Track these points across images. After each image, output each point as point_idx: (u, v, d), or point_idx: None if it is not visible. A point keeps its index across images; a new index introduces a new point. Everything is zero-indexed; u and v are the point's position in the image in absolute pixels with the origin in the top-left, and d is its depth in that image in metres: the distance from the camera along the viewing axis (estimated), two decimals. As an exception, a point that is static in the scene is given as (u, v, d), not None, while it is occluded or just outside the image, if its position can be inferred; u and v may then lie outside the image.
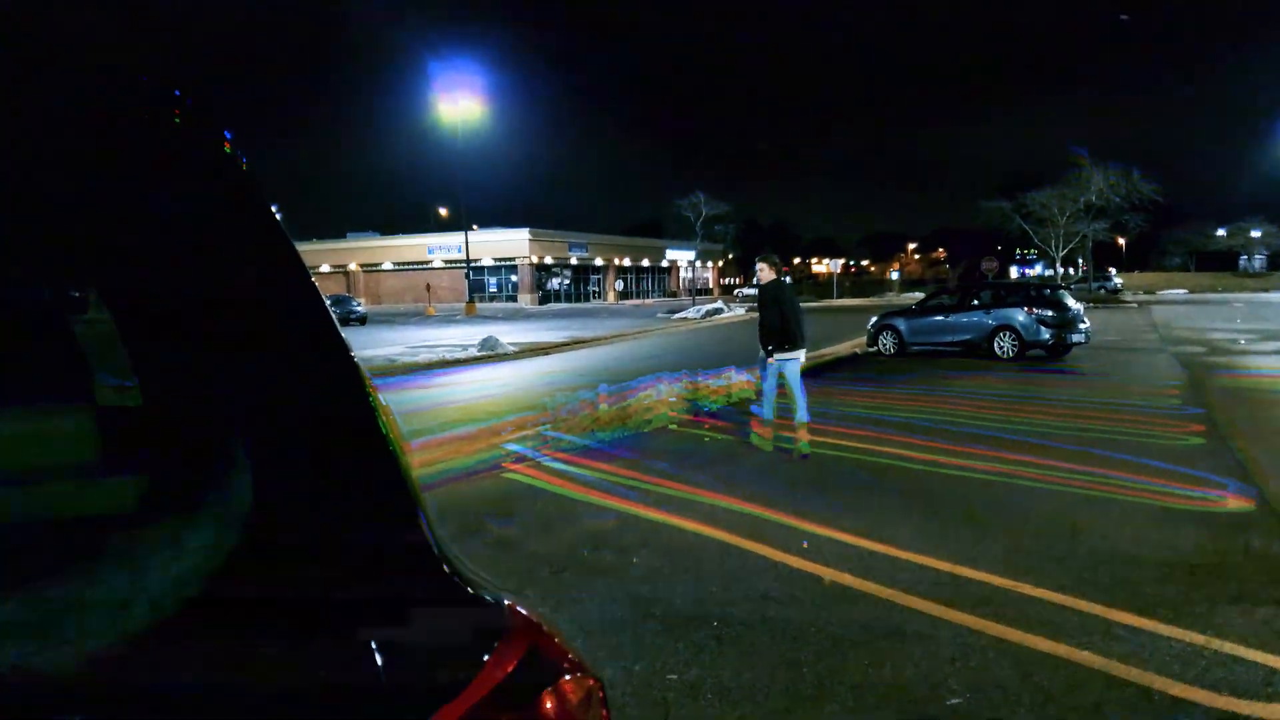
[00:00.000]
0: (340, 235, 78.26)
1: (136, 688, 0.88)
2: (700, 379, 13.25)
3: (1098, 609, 4.66)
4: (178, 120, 1.13)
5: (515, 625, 1.12)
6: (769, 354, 8.98)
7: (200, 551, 0.97)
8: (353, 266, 74.43)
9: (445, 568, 1.10)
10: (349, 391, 1.09)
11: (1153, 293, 71.82)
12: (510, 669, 1.04)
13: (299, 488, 1.04)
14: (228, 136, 1.14)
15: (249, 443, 1.01)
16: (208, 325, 1.06)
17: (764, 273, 9.08)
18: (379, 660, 0.97)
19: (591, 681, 1.15)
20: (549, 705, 1.07)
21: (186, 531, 1.00)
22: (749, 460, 8.68)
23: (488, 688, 1.01)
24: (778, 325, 8.79)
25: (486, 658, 1.04)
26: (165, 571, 0.95)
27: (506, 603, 1.15)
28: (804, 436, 8.93)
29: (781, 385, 9.13)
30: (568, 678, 1.11)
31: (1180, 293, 71.85)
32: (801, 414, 8.94)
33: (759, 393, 9.36)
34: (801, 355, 9.08)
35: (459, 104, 49.29)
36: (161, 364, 1.07)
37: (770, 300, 8.87)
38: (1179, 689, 3.77)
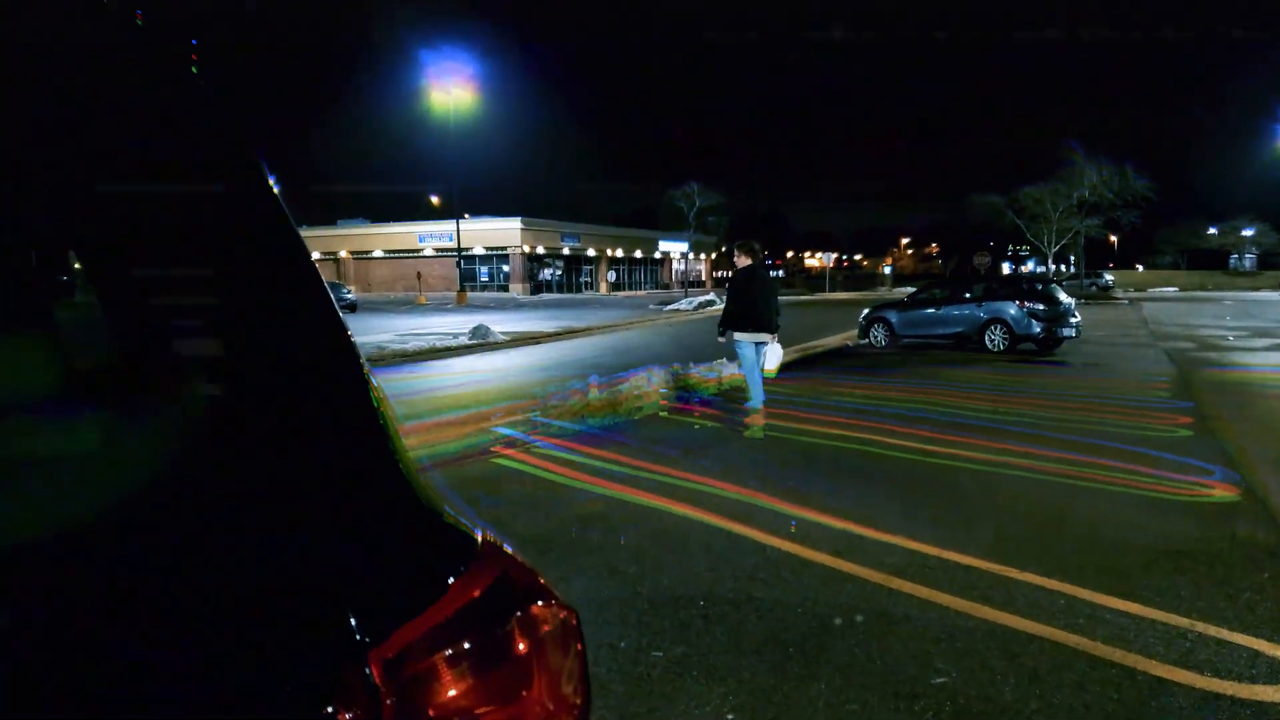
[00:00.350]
0: (331, 222, 77.82)
1: (98, 579, 0.90)
2: (692, 369, 13.23)
3: (1084, 593, 4.67)
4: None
5: (487, 554, 1.11)
6: (721, 333, 9.14)
7: (167, 454, 0.99)
8: (343, 254, 74.16)
9: (421, 501, 1.10)
10: (342, 358, 1.13)
11: (1144, 290, 72.17)
12: (478, 592, 1.04)
13: (277, 428, 1.06)
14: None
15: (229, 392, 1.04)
16: (196, 285, 1.09)
17: (741, 259, 9.19)
18: (345, 572, 0.98)
19: (565, 612, 1.14)
20: (518, 630, 1.07)
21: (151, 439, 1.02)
22: (739, 446, 8.68)
23: (454, 607, 1.01)
24: (739, 309, 8.90)
25: (454, 580, 1.04)
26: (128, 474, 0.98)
27: (480, 536, 1.14)
28: (757, 421, 9.08)
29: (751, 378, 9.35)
30: (539, 604, 1.10)
31: (1171, 290, 72.23)
32: (756, 397, 9.13)
33: (752, 414, 9.50)
34: (767, 339, 9.13)
35: (451, 91, 49.13)
36: (145, 331, 1.09)
37: (742, 284, 8.96)
38: (1162, 670, 3.79)
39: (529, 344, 22.60)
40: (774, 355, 9.29)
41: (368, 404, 1.12)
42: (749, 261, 9.10)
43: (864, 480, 7.25)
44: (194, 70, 1.28)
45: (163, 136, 1.18)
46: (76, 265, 1.47)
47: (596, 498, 6.70)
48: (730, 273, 9.99)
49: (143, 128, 1.17)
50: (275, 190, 1.20)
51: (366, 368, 1.16)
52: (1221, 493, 6.77)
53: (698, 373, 13.01)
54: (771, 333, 9.12)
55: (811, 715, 3.46)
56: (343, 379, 1.13)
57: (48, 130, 1.11)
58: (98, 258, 1.17)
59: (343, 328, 1.15)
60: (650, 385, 11.72)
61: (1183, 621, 4.30)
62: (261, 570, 0.96)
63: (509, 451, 8.44)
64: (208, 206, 1.16)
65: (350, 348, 1.14)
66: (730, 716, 3.45)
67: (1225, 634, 4.16)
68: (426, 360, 18.24)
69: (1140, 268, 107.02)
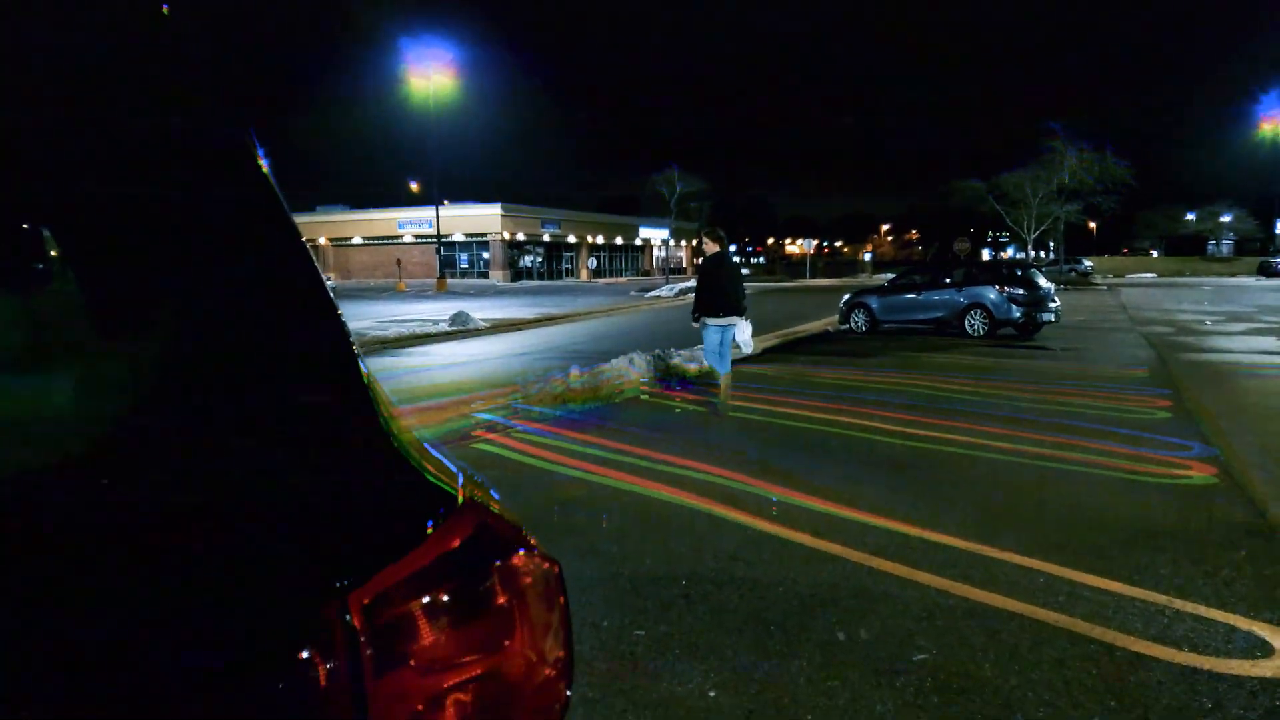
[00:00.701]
0: (309, 208, 77.10)
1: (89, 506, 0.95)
2: (673, 354, 13.21)
3: (1063, 571, 4.70)
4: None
5: (467, 507, 1.11)
6: (696, 319, 9.45)
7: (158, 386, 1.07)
8: (322, 240, 73.51)
9: (405, 459, 1.11)
10: (332, 331, 1.18)
11: (1122, 276, 72.76)
12: (457, 542, 1.04)
13: (270, 387, 1.13)
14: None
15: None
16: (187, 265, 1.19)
17: (709, 245, 9.44)
18: (325, 519, 1.00)
19: (548, 564, 1.13)
20: (499, 579, 1.06)
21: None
22: (720, 429, 8.68)
23: (433, 554, 1.01)
24: (711, 294, 9.23)
25: (435, 528, 1.04)
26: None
27: (461, 492, 1.14)
28: (725, 392, 9.51)
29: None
30: (521, 554, 1.09)
31: (1149, 276, 72.85)
32: (722, 370, 9.56)
33: (719, 388, 9.81)
34: (736, 322, 9.46)
35: (431, 76, 48.71)
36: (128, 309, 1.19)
37: (712, 269, 9.27)
38: (1141, 645, 3.81)
39: (509, 330, 22.52)
40: (745, 331, 9.60)
41: (355, 371, 1.15)
42: (716, 248, 9.39)
43: (845, 462, 7.26)
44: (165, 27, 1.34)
45: (150, 113, 1.26)
46: (53, 252, 1.50)
47: (578, 481, 6.67)
48: (698, 260, 10.12)
49: (130, 106, 1.26)
50: (265, 167, 1.26)
51: (355, 342, 1.19)
52: (1199, 473, 6.82)
53: (678, 357, 12.99)
54: (740, 315, 9.47)
55: (793, 692, 3.46)
56: (333, 349, 1.17)
57: (36, 111, 1.18)
58: (82, 238, 1.27)
59: (332, 303, 1.20)
60: (631, 370, 11.69)
61: (1161, 598, 4.33)
62: (247, 513, 0.97)
63: (490, 436, 8.40)
64: (195, 183, 1.23)
65: (339, 320, 1.19)
66: (712, 693, 3.45)
67: (1203, 610, 4.19)
68: (407, 347, 18.14)
69: (1124, 252, 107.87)
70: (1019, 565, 4.80)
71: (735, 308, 9.37)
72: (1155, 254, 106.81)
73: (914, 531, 5.38)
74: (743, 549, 5.09)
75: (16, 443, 1.03)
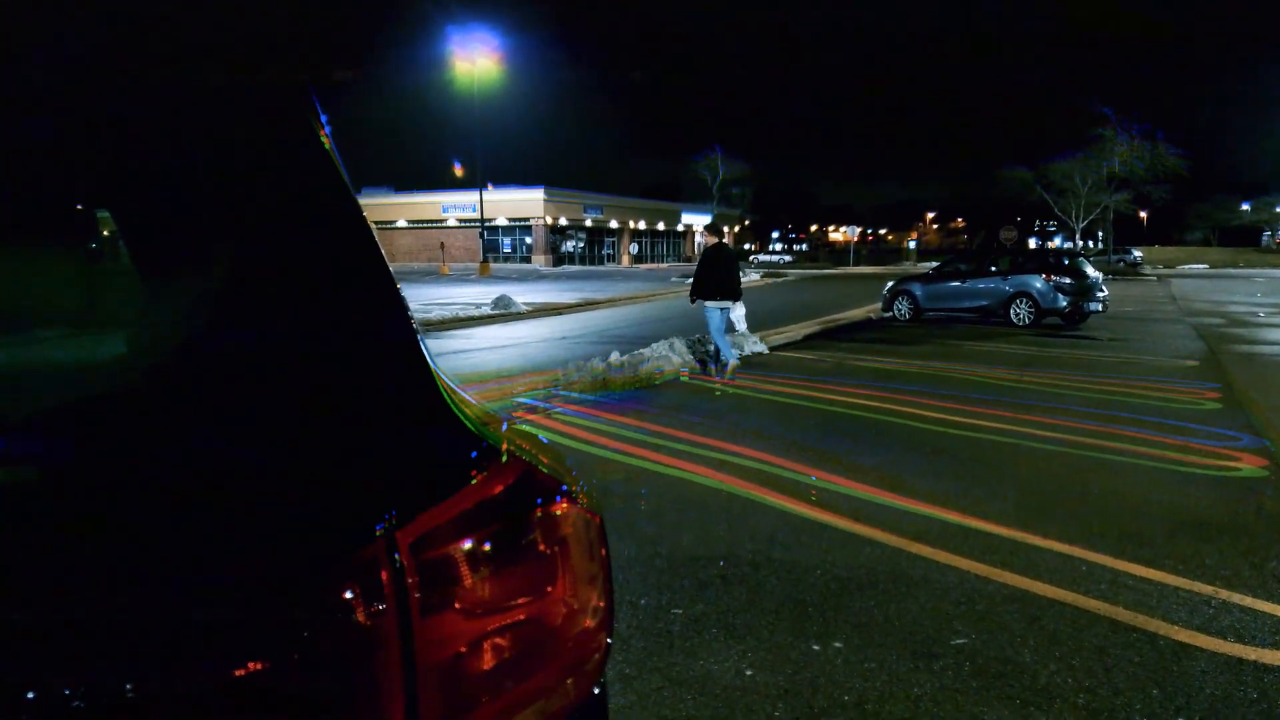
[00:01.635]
0: (355, 191, 77.75)
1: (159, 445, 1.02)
2: (712, 339, 13.19)
3: (1106, 560, 4.65)
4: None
5: (513, 457, 1.14)
6: (693, 300, 10.64)
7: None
8: (367, 224, 74.19)
9: (453, 412, 1.16)
10: (391, 300, 1.24)
11: (1173, 267, 71.07)
12: (500, 488, 1.07)
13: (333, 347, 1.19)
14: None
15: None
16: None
17: (709, 238, 10.73)
18: (375, 462, 1.03)
19: (591, 515, 1.16)
20: (541, 526, 1.09)
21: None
22: (759, 413, 8.67)
23: (476, 498, 1.04)
24: (710, 279, 10.29)
25: (479, 475, 1.07)
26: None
27: (506, 446, 1.17)
28: (730, 370, 10.69)
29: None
30: (564, 503, 1.12)
31: (1201, 267, 71.02)
32: (726, 355, 10.80)
33: (716, 353, 11.01)
34: (733, 305, 10.85)
35: (476, 60, 48.89)
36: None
37: (711, 260, 10.35)
38: (1185, 635, 3.77)
39: (551, 314, 22.63)
40: (739, 310, 11.18)
41: (407, 326, 1.21)
42: (716, 240, 10.62)
43: (885, 448, 7.22)
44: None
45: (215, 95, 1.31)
46: (105, 232, 1.57)
47: (617, 463, 6.72)
48: (702, 247, 11.38)
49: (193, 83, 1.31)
50: (328, 141, 1.31)
51: (412, 314, 1.25)
52: (1249, 465, 6.69)
53: (718, 342, 12.97)
54: (736, 298, 10.77)
55: (829, 673, 3.47)
56: (384, 306, 1.23)
57: (101, 87, 1.22)
58: (143, 212, 1.32)
59: (386, 267, 1.24)
60: (671, 355, 11.70)
61: (1207, 589, 4.27)
62: (297, 460, 1.02)
63: (530, 417, 8.47)
64: (261, 159, 1.28)
65: (397, 293, 1.24)
66: (749, 672, 3.47)
67: (1250, 601, 4.12)
68: (450, 330, 18.31)
69: (1174, 244, 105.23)
70: (1061, 553, 4.75)
71: (732, 292, 10.64)
72: (1208, 245, 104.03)
73: (954, 517, 5.34)
74: (780, 531, 5.10)
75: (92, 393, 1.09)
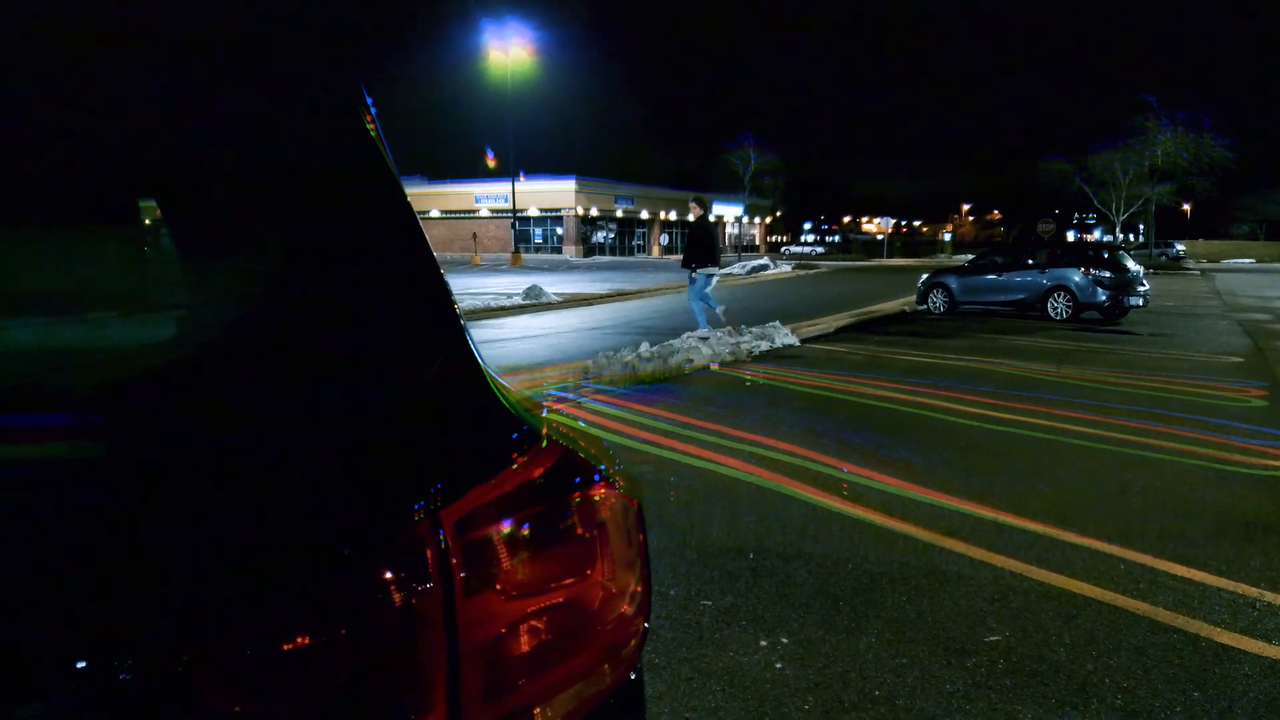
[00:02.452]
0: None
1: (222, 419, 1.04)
2: (744, 330, 13.12)
3: (1145, 559, 4.55)
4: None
5: (552, 441, 1.16)
6: (692, 268, 11.58)
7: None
8: (401, 214, 74.72)
9: (496, 396, 1.17)
10: (437, 291, 1.25)
11: (1217, 261, 69.73)
12: (540, 471, 1.08)
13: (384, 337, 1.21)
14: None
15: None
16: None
17: (695, 211, 11.96)
18: (421, 444, 1.05)
19: (629, 500, 1.16)
20: (580, 509, 1.10)
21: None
22: (791, 405, 8.60)
23: (516, 480, 1.05)
24: (703, 249, 11.35)
25: (520, 458, 1.08)
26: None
27: (546, 430, 1.19)
28: (724, 315, 11.84)
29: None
30: (603, 487, 1.12)
31: (1247, 261, 69.64)
32: (700, 321, 11.81)
33: (725, 314, 12.06)
34: (718, 273, 12.14)
35: (509, 50, 48.99)
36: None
37: (701, 232, 11.54)
38: (1227, 637, 3.67)
39: (581, 305, 22.65)
40: (716, 280, 12.41)
41: (451, 313, 1.23)
42: (701, 212, 11.74)
43: (919, 442, 7.13)
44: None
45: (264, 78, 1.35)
46: (148, 221, 1.60)
47: (647, 453, 6.69)
48: (695, 213, 12.33)
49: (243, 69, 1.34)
50: (375, 128, 1.34)
51: (456, 303, 1.27)
52: (1294, 464, 6.52)
53: (750, 334, 12.90)
54: (721, 266, 12.06)
55: (860, 667, 3.42)
56: (428, 290, 1.24)
57: (144, 75, 1.25)
58: (190, 200, 1.35)
59: (430, 253, 1.26)
60: (701, 345, 11.65)
61: (1251, 591, 4.16)
62: (344, 441, 1.03)
63: (560, 407, 8.45)
64: (305, 143, 1.32)
65: (442, 279, 1.25)
66: (779, 665, 3.43)
67: (1295, 604, 4.01)
68: (481, 319, 18.38)
69: (1218, 237, 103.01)
70: (1098, 551, 4.66)
71: (719, 262, 11.96)
72: (1254, 239, 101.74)
73: (989, 513, 5.26)
74: (811, 524, 5.05)
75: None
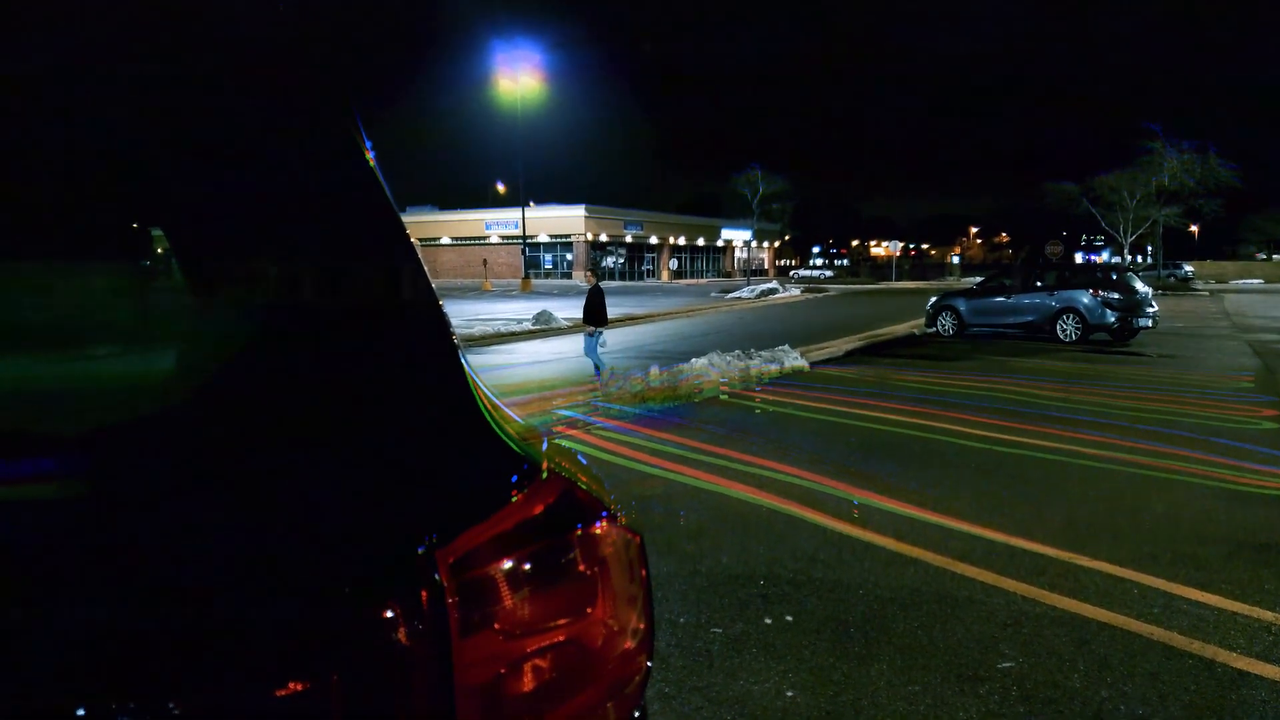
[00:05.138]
0: (400, 209, 78.82)
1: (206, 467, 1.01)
2: (753, 354, 13.14)
3: (1159, 583, 4.52)
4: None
5: (553, 475, 1.14)
6: (591, 329, 12.53)
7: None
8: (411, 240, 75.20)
9: (494, 432, 1.15)
10: (435, 324, 1.24)
11: (1225, 282, 69.47)
12: (540, 508, 1.07)
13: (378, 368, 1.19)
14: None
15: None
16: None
17: (590, 278, 13.13)
18: (415, 480, 1.04)
19: (631, 535, 1.14)
20: (581, 546, 1.08)
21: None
22: (800, 430, 8.59)
23: (516, 519, 1.03)
24: (600, 311, 12.45)
25: (519, 495, 1.07)
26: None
27: (547, 465, 1.17)
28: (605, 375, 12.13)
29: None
30: (604, 522, 1.11)
31: (1255, 282, 69.33)
32: (603, 366, 12.44)
33: (599, 368, 12.39)
34: (605, 332, 13.05)
35: (518, 79, 49.42)
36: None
37: (595, 295, 12.56)
38: (1243, 662, 3.64)
39: (591, 329, 22.67)
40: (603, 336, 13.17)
41: (452, 352, 1.21)
42: (595, 281, 13.09)
43: (929, 466, 7.11)
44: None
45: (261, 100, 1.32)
46: (159, 250, 1.61)
47: (656, 478, 6.69)
48: (589, 281, 13.54)
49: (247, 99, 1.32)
50: (373, 160, 1.32)
51: (455, 333, 1.25)
52: (1308, 486, 6.47)
53: (759, 358, 12.91)
54: (606, 326, 12.91)
55: (872, 695, 3.40)
56: (427, 323, 1.23)
57: (146, 108, 1.24)
58: (192, 231, 1.33)
59: (434, 295, 1.25)
60: (711, 370, 11.66)
61: (1267, 614, 4.13)
62: (339, 476, 1.02)
63: (570, 432, 8.48)
64: (303, 176, 1.30)
65: (440, 311, 1.24)
66: (790, 693, 3.41)
67: (1311, 628, 3.98)
68: (492, 345, 18.44)
69: (1226, 258, 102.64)
70: (1111, 575, 4.63)
71: (606, 323, 12.86)
72: (1266, 259, 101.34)
73: (1000, 537, 5.24)
74: (822, 550, 5.03)
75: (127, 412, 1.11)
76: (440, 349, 1.21)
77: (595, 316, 12.80)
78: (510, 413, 1.31)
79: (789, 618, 4.12)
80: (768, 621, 4.07)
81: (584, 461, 1.32)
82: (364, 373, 1.14)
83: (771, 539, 5.24)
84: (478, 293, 47.10)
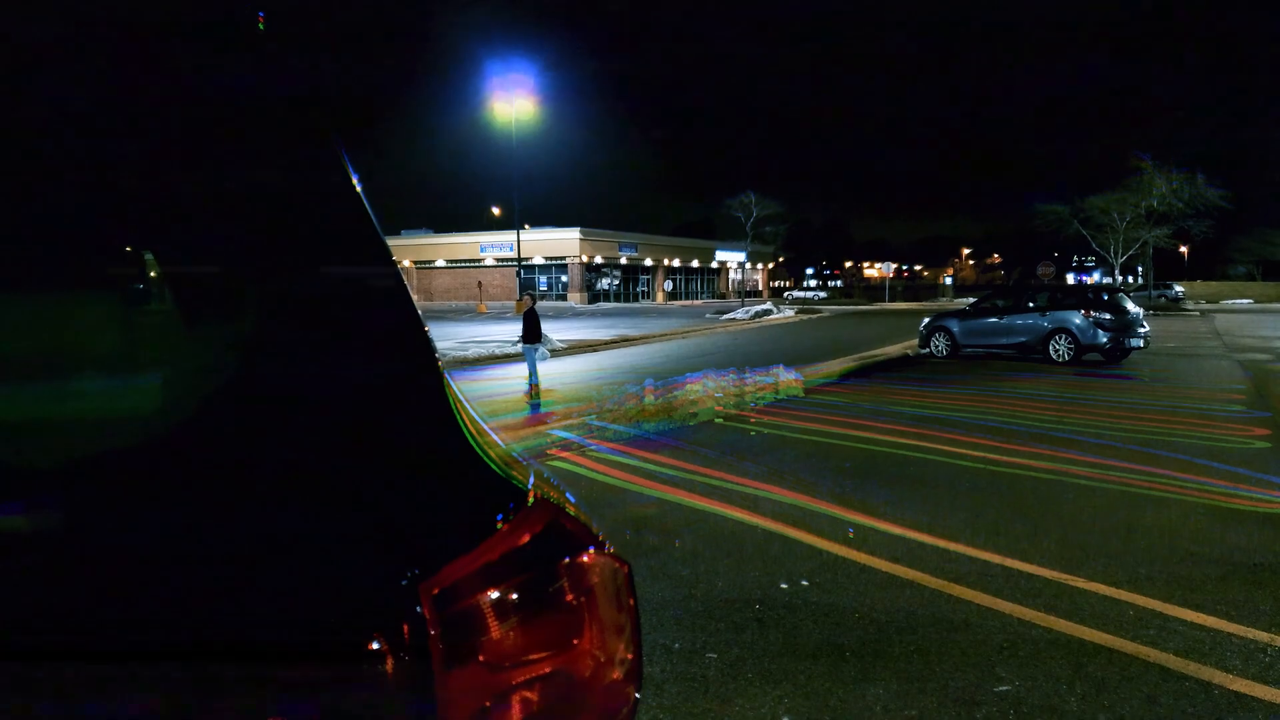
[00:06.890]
0: (395, 232, 79.18)
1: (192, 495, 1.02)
2: (747, 376, 13.17)
3: (1154, 604, 4.52)
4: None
5: (539, 504, 1.13)
6: (525, 344, 13.60)
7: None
8: (406, 263, 75.31)
9: (479, 458, 1.13)
10: (420, 348, 1.22)
11: (1216, 302, 69.83)
12: (526, 538, 1.06)
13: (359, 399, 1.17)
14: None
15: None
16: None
17: (526, 302, 14.22)
18: (398, 511, 1.03)
19: (618, 564, 1.13)
20: (568, 576, 1.07)
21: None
22: (795, 452, 8.58)
23: (501, 550, 1.02)
24: (535, 329, 13.59)
25: (505, 525, 1.06)
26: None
27: (533, 492, 1.16)
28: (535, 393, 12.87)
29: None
30: (591, 552, 1.10)
31: (1245, 302, 69.71)
32: (535, 379, 13.50)
33: (533, 388, 13.23)
34: (544, 348, 14.21)
35: (513, 103, 49.69)
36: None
37: (531, 317, 13.73)
38: (1240, 684, 3.63)
39: (586, 351, 22.69)
40: (545, 346, 14.37)
41: (437, 380, 1.19)
42: (531, 304, 14.05)
43: (924, 488, 7.11)
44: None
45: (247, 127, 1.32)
46: (153, 273, 1.60)
47: (651, 501, 6.67)
48: (528, 303, 14.66)
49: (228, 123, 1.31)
50: (358, 186, 1.31)
51: (440, 358, 1.23)
52: (1302, 506, 6.48)
53: (754, 379, 12.93)
54: (541, 342, 13.98)
55: (868, 719, 3.39)
56: (414, 352, 1.22)
57: (136, 137, 1.24)
58: (182, 257, 1.32)
59: (420, 322, 1.23)
60: (705, 391, 11.67)
61: (1262, 635, 4.12)
62: (321, 509, 1.01)
63: (565, 455, 8.46)
64: (292, 203, 1.29)
65: (426, 339, 1.23)
66: (785, 719, 3.40)
67: (1307, 649, 3.97)
68: (486, 366, 18.43)
69: (1216, 278, 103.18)
70: (1107, 596, 4.63)
71: (540, 339, 13.97)
72: (1251, 279, 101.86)
73: (996, 559, 5.23)
74: (817, 573, 5.02)
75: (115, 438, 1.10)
76: (425, 377, 1.20)
77: (532, 334, 14.09)
78: (495, 437, 1.31)
79: (785, 642, 4.10)
80: (764, 646, 4.06)
81: (572, 500, 1.30)
82: (348, 403, 1.13)
83: (767, 562, 5.23)
84: (473, 314, 47.12)
